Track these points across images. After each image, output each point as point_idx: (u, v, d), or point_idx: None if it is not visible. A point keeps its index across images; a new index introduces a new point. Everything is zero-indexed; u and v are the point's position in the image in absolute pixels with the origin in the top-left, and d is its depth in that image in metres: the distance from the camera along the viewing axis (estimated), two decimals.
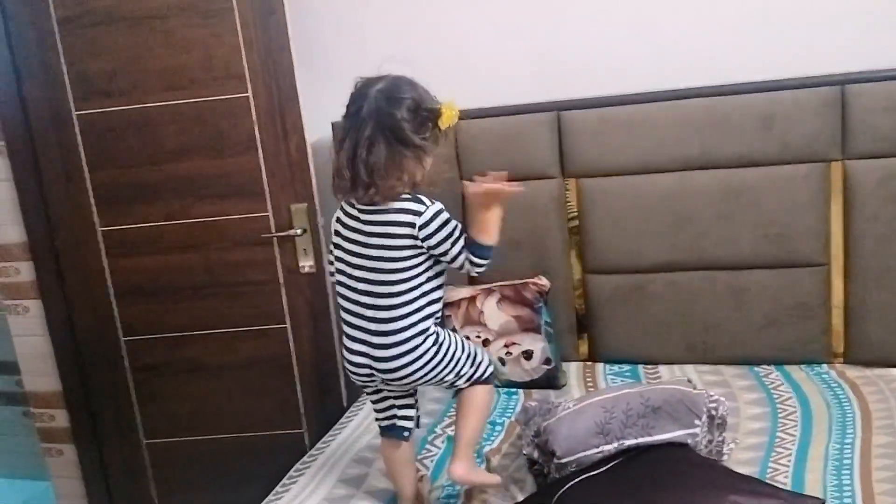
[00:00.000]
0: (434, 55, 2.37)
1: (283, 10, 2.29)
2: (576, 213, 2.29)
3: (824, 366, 2.15)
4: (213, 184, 2.43)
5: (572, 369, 2.31)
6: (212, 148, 2.41)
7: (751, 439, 1.86)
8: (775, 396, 2.02)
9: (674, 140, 2.15)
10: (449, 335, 1.63)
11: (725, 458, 1.75)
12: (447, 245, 1.53)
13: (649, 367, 2.27)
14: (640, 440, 1.64)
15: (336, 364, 2.53)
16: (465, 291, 2.29)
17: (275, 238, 2.46)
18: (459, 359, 1.63)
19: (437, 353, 1.59)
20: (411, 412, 1.71)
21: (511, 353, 2.22)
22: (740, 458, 1.78)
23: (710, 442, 1.72)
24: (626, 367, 2.28)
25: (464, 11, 2.33)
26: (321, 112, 2.43)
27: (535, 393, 2.20)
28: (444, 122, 1.52)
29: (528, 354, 2.22)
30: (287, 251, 2.47)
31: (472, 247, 1.53)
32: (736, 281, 2.18)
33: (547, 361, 2.21)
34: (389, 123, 1.49)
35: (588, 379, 2.25)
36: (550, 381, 2.21)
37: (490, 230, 1.54)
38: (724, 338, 2.22)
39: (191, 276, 2.50)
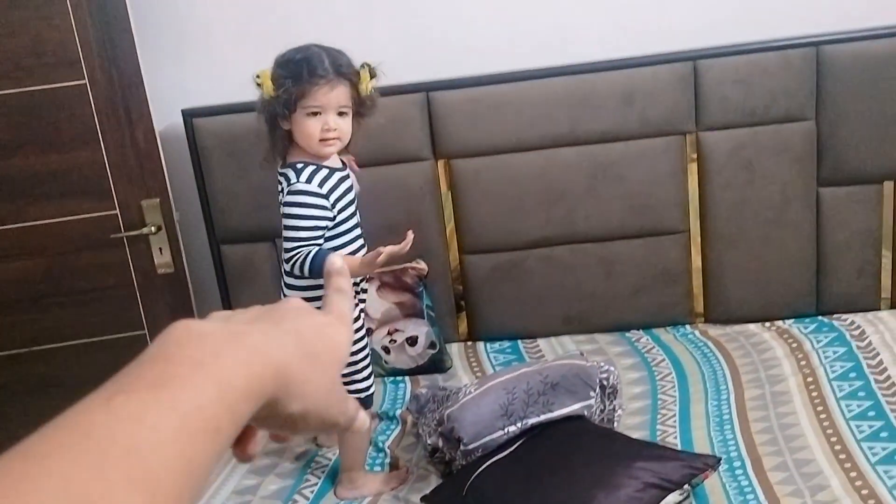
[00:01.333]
0: (294, 35, 2.26)
1: None
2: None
3: (688, 326, 2.29)
4: (50, 182, 2.19)
5: (454, 350, 2.31)
6: (46, 142, 2.16)
7: (635, 404, 1.94)
8: (649, 359, 2.13)
9: (542, 118, 2.19)
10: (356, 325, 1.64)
11: (616, 425, 1.82)
12: (284, 230, 1.60)
13: (528, 341, 2.32)
14: (542, 417, 1.67)
15: None
16: None
17: (125, 238, 2.26)
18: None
19: None
20: None
21: (395, 341, 2.19)
22: (629, 423, 1.86)
23: (602, 411, 1.78)
24: (507, 344, 2.31)
25: None
26: (170, 98, 2.27)
27: (423, 379, 2.18)
28: (265, 92, 1.58)
29: (412, 340, 2.19)
30: (140, 252, 2.28)
31: (317, 261, 1.56)
32: (606, 252, 2.27)
33: (432, 345, 2.20)
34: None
35: (471, 358, 2.26)
36: (436, 364, 2.20)
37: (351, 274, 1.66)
38: (597, 307, 2.30)
39: (30, 286, 2.25)
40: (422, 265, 2.24)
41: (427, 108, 2.20)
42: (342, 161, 1.71)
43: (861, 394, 1.84)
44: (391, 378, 2.21)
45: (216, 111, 2.23)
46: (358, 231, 1.72)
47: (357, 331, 1.71)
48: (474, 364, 2.23)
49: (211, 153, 2.25)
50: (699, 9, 2.16)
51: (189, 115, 2.24)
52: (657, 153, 2.19)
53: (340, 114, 1.61)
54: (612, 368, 1.80)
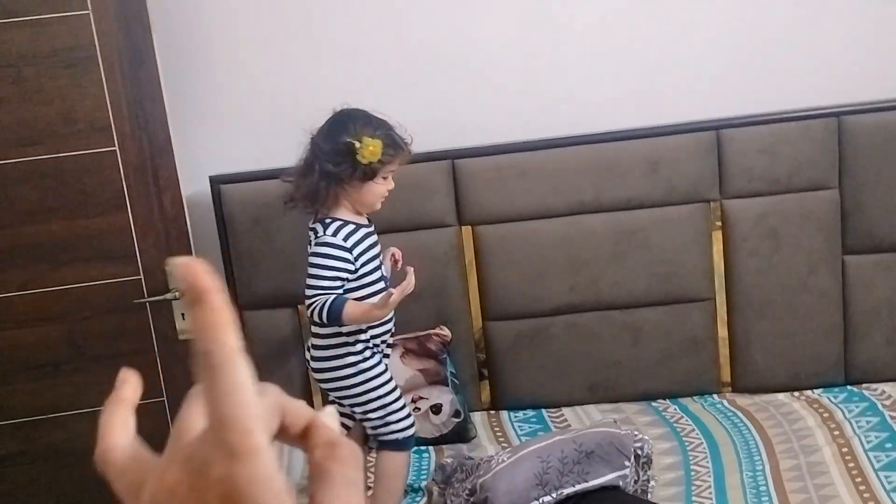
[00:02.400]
0: (322, 106, 2.30)
1: (153, 60, 2.12)
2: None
3: (715, 396, 2.26)
4: (76, 247, 2.19)
5: (477, 419, 2.27)
6: (74, 208, 2.17)
7: (668, 475, 1.90)
8: (679, 430, 2.09)
9: (567, 185, 2.20)
10: (379, 370, 1.81)
11: (650, 496, 1.78)
12: (307, 277, 1.73)
13: (553, 410, 2.28)
14: (578, 487, 1.63)
15: None
16: None
17: (147, 303, 2.25)
18: (375, 398, 1.80)
19: (354, 375, 1.79)
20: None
21: (419, 409, 2.16)
22: (663, 494, 1.81)
23: (636, 482, 1.74)
24: (531, 413, 2.28)
25: (354, 61, 2.27)
26: (197, 165, 2.29)
27: (447, 448, 2.14)
28: (364, 157, 1.69)
29: (436, 408, 2.16)
30: (162, 317, 2.26)
31: (336, 306, 1.69)
32: (631, 319, 2.25)
33: (456, 414, 2.16)
34: (313, 151, 1.76)
35: (495, 427, 2.23)
36: (460, 433, 2.16)
37: (361, 319, 1.74)
38: (623, 375, 2.28)
39: (51, 352, 2.23)
40: (446, 332, 2.23)
41: (452, 174, 2.23)
42: (367, 217, 1.85)
43: None
44: (414, 448, 2.16)
45: (243, 177, 2.26)
46: (381, 284, 1.83)
47: (380, 375, 1.83)
48: (499, 433, 2.19)
49: (236, 219, 2.27)
50: (722, 79, 2.20)
51: (216, 182, 2.26)
52: (682, 220, 2.19)
53: (390, 177, 1.81)
54: (646, 438, 1.77)
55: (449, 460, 1.96)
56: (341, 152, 1.69)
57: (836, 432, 1.96)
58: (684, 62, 2.20)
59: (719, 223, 2.20)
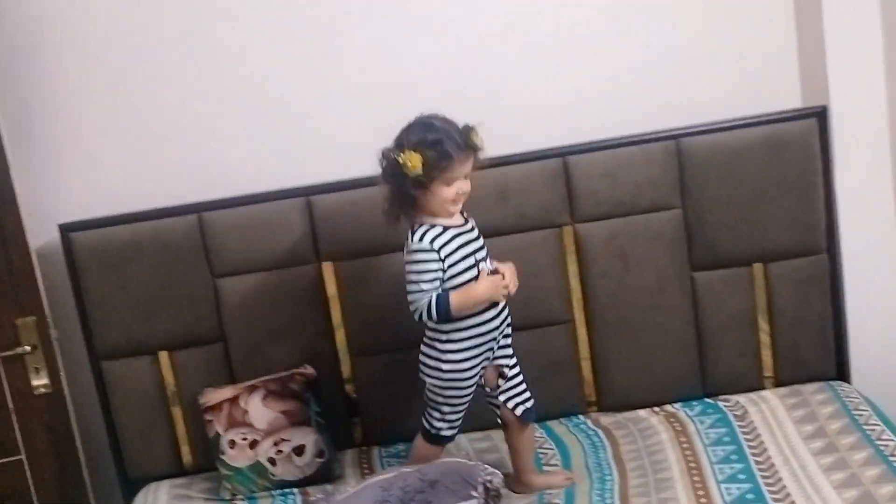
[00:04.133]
0: (170, 144, 2.28)
1: None
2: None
3: (581, 416, 2.28)
4: None
5: (347, 458, 2.25)
6: None
7: (522, 501, 1.91)
8: (540, 455, 2.11)
9: None
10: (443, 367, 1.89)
11: None
12: (407, 285, 1.83)
13: None
14: None
15: (87, 495, 2.26)
16: (225, 392, 2.16)
17: None
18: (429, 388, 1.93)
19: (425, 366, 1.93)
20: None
21: (282, 451, 2.12)
22: None
23: None
24: (402, 447, 2.27)
25: (201, 96, 2.26)
26: (46, 215, 2.23)
27: (312, 490, 2.11)
28: (409, 170, 1.75)
29: (299, 450, 2.13)
30: (15, 372, 2.19)
31: (441, 302, 1.80)
32: None
33: (320, 454, 2.14)
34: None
35: (364, 466, 2.21)
36: (325, 474, 2.13)
37: (468, 303, 1.83)
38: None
39: None
40: (309, 370, 2.20)
41: (308, 211, 2.22)
42: (464, 216, 1.91)
43: (741, 476, 1.85)
44: (279, 491, 2.13)
45: (94, 224, 2.21)
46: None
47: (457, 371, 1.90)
48: (366, 471, 2.18)
49: (89, 266, 2.21)
50: (566, 107, 2.25)
51: (66, 230, 2.21)
52: (536, 246, 2.23)
53: (465, 176, 1.83)
54: (497, 472, 1.78)
55: (318, 499, 1.95)
56: (394, 166, 1.77)
57: (686, 446, 2.00)
58: (528, 92, 2.25)
59: (573, 246, 2.24)
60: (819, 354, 2.26)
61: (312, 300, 2.25)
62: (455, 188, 1.80)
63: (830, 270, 2.22)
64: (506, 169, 2.20)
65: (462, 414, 1.96)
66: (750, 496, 1.76)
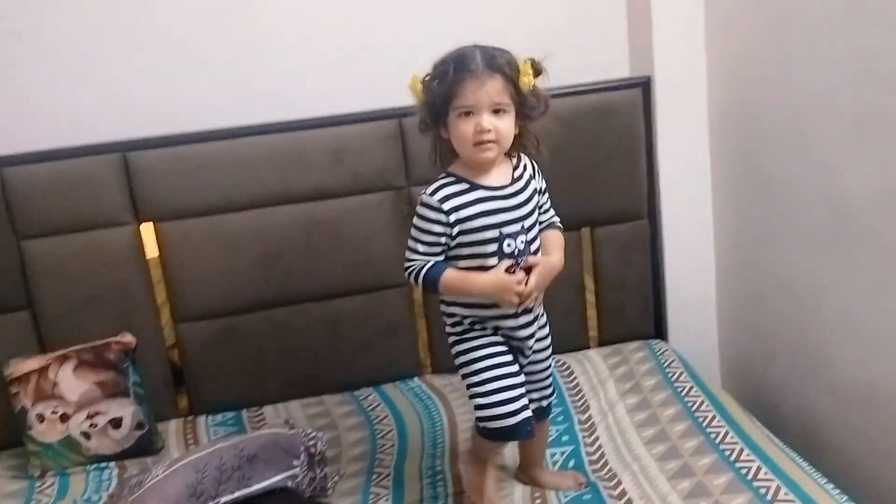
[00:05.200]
0: None
1: None
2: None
3: (416, 379, 2.29)
4: None
5: (171, 428, 2.15)
6: None
7: (353, 466, 1.89)
8: (373, 418, 2.10)
9: (253, 177, 2.12)
10: (473, 341, 1.61)
11: (330, 492, 1.76)
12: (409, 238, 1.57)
13: (252, 409, 2.21)
14: (238, 494, 1.57)
15: None
16: (33, 363, 1.99)
17: None
18: (467, 375, 1.62)
19: (453, 344, 1.66)
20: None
21: (96, 425, 1.99)
22: (344, 488, 1.81)
23: (312, 479, 1.71)
24: (230, 415, 2.19)
25: (14, 41, 2.03)
26: None
27: (130, 463, 2.00)
28: (417, 98, 1.54)
29: (116, 423, 2.00)
30: None
31: (432, 274, 1.53)
32: (329, 310, 2.22)
33: (139, 426, 2.02)
34: None
35: (189, 436, 2.11)
36: (144, 447, 2.02)
37: (463, 292, 1.56)
38: (324, 368, 2.25)
39: None
40: (128, 338, 2.07)
41: (125, 168, 2.06)
42: (514, 175, 1.58)
43: (565, 438, 1.91)
44: (94, 465, 2.00)
45: None
46: (494, 261, 1.54)
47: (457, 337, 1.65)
48: (191, 442, 2.08)
49: None
50: (401, 70, 2.20)
51: None
52: (371, 209, 2.19)
53: (497, 111, 1.47)
54: (319, 434, 1.74)
55: (133, 474, 1.84)
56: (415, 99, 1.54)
57: None
58: (358, 51, 2.19)
59: (409, 209, 2.21)
60: (640, 315, 2.37)
61: (131, 264, 2.10)
62: (472, 124, 1.45)
63: (651, 235, 2.33)
64: (341, 128, 2.14)
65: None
66: (571, 461, 1.82)
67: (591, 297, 2.35)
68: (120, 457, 2.01)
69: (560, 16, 2.28)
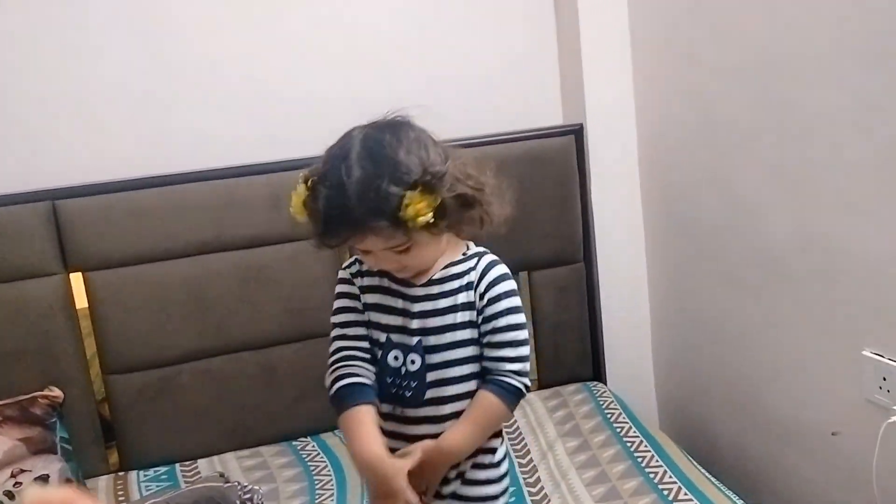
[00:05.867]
0: None
1: None
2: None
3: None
4: None
5: (101, 485, 2.06)
6: None
7: None
8: (311, 468, 2.06)
9: (186, 224, 2.09)
10: None
11: None
12: None
13: (186, 463, 2.14)
14: None
15: None
16: None
17: None
18: None
19: None
20: None
21: (21, 483, 1.90)
22: None
23: None
24: (163, 470, 2.11)
25: None
26: None
27: None
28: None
29: (43, 480, 1.91)
30: None
31: (340, 395, 1.26)
32: (265, 359, 2.19)
33: (67, 483, 1.94)
34: None
35: (119, 492, 2.03)
36: None
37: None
38: (261, 418, 2.20)
39: None
40: (55, 392, 2.00)
41: (54, 216, 2.01)
42: (440, 276, 1.26)
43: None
44: None
45: None
46: (383, 372, 1.27)
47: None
48: (122, 499, 2.00)
49: None
50: (338, 118, 2.22)
51: None
52: (309, 255, 2.17)
53: (395, 249, 1.17)
54: (256, 488, 1.70)
55: None
56: None
57: None
58: (302, 98, 2.21)
59: (349, 256, 2.21)
60: (577, 358, 2.40)
61: (59, 315, 2.04)
62: (372, 259, 1.22)
63: (586, 278, 2.37)
64: (280, 175, 2.13)
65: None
66: (512, 500, 1.81)
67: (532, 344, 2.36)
68: None
69: (494, 63, 2.34)
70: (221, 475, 1.77)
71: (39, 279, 2.01)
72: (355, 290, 1.31)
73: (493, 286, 1.27)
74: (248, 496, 1.66)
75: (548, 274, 2.33)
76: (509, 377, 1.26)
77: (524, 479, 1.90)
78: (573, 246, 2.34)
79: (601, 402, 2.21)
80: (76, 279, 2.06)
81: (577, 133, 2.30)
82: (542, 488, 1.86)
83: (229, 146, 2.17)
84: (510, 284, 1.30)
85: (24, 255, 1.99)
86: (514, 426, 2.15)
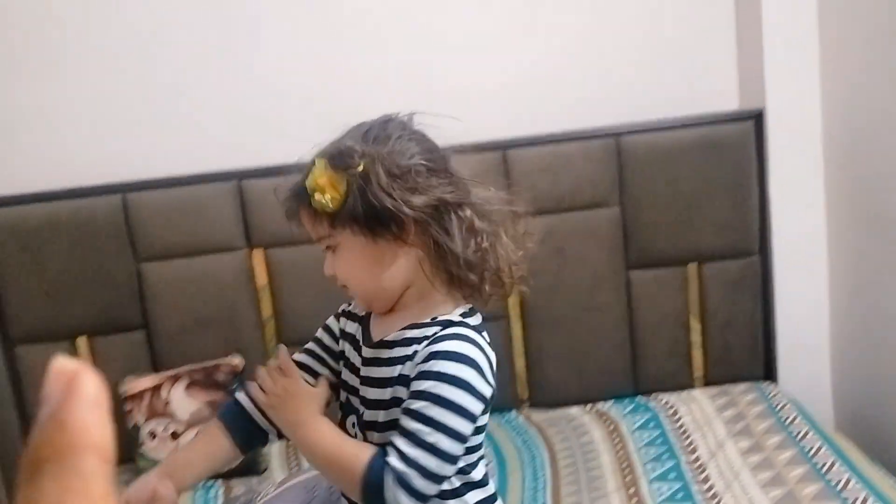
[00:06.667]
0: (94, 121, 2.17)
1: None
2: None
3: (513, 412, 2.27)
4: None
5: (275, 450, 2.18)
6: None
7: None
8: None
9: None
10: None
11: None
12: None
13: None
14: None
15: None
16: (146, 381, 2.07)
17: None
18: None
19: None
20: None
21: None
22: None
23: None
24: None
25: (127, 73, 2.16)
26: None
27: (236, 482, 2.04)
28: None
29: None
30: None
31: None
32: None
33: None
34: None
35: (291, 457, 2.14)
36: (250, 467, 2.06)
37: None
38: None
39: None
40: (236, 361, 2.13)
41: (239, 195, 2.14)
42: (398, 337, 1.12)
43: (672, 475, 1.84)
44: (201, 483, 2.05)
45: (8, 201, 2.09)
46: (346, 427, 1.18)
47: None
48: (293, 463, 2.11)
49: (2, 246, 2.09)
50: (507, 101, 2.23)
51: None
52: None
53: (328, 249, 1.13)
54: None
55: (239, 494, 1.87)
56: None
57: (619, 445, 2.00)
58: (467, 86, 2.22)
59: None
60: (748, 355, 2.29)
61: (242, 289, 2.17)
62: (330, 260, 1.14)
63: (762, 272, 2.25)
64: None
65: None
66: (680, 495, 1.76)
67: (696, 336, 2.28)
68: (226, 476, 2.05)
69: (665, 45, 2.26)
70: None
71: (226, 254, 2.15)
72: (336, 329, 1.26)
73: (434, 361, 1.03)
74: None
75: (719, 266, 2.24)
76: (386, 472, 1.02)
77: (693, 476, 1.84)
78: (748, 238, 2.23)
79: (774, 403, 2.10)
80: (257, 255, 2.18)
81: (756, 118, 2.19)
82: (711, 486, 1.79)
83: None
84: (460, 371, 1.03)
85: (214, 231, 2.13)
86: (679, 422, 2.08)
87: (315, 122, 2.24)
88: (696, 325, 2.27)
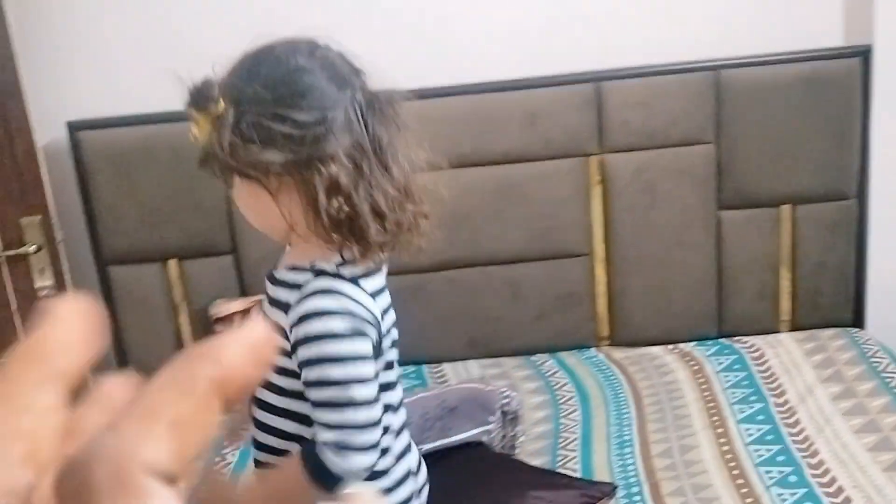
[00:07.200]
0: (188, 45, 2.17)
1: None
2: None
3: (593, 349, 2.26)
4: None
5: None
6: None
7: (537, 429, 1.90)
8: (553, 384, 2.09)
9: (444, 138, 2.12)
10: None
11: (518, 451, 1.77)
12: None
13: (433, 365, 2.25)
14: (438, 443, 1.61)
15: None
16: (237, 304, 2.12)
17: (3, 257, 2.11)
18: None
19: None
20: None
21: None
22: (530, 449, 1.81)
23: (503, 437, 1.73)
24: (411, 368, 2.24)
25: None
26: (53, 109, 2.14)
27: None
28: None
29: None
30: (19, 272, 2.12)
31: None
32: (510, 275, 2.23)
33: None
34: None
35: None
36: None
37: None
38: (502, 330, 2.26)
39: None
40: None
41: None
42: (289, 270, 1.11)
43: (760, 417, 1.84)
44: None
45: (104, 124, 2.12)
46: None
47: None
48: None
49: (97, 168, 2.13)
50: (602, 31, 2.16)
51: (74, 128, 2.12)
52: (561, 175, 2.17)
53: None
54: (513, 394, 1.75)
55: None
56: None
57: (704, 386, 1.99)
58: (561, 13, 2.16)
59: (599, 178, 2.18)
60: (838, 301, 2.24)
61: None
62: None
63: (858, 217, 2.18)
64: (534, 91, 2.12)
65: None
66: (769, 437, 1.75)
67: (785, 279, 2.23)
68: None
69: None
70: (482, 378, 1.84)
71: None
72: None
73: (303, 323, 1.01)
74: (506, 401, 1.72)
75: (814, 209, 2.17)
76: (322, 450, 1.00)
77: (782, 419, 1.82)
78: (846, 181, 2.15)
79: (865, 350, 2.06)
80: None
81: (863, 55, 2.09)
82: (802, 430, 1.77)
83: (489, 61, 2.18)
84: (328, 324, 1.01)
85: None
86: (765, 365, 2.05)
87: (400, 51, 2.20)
88: (785, 269, 2.22)
